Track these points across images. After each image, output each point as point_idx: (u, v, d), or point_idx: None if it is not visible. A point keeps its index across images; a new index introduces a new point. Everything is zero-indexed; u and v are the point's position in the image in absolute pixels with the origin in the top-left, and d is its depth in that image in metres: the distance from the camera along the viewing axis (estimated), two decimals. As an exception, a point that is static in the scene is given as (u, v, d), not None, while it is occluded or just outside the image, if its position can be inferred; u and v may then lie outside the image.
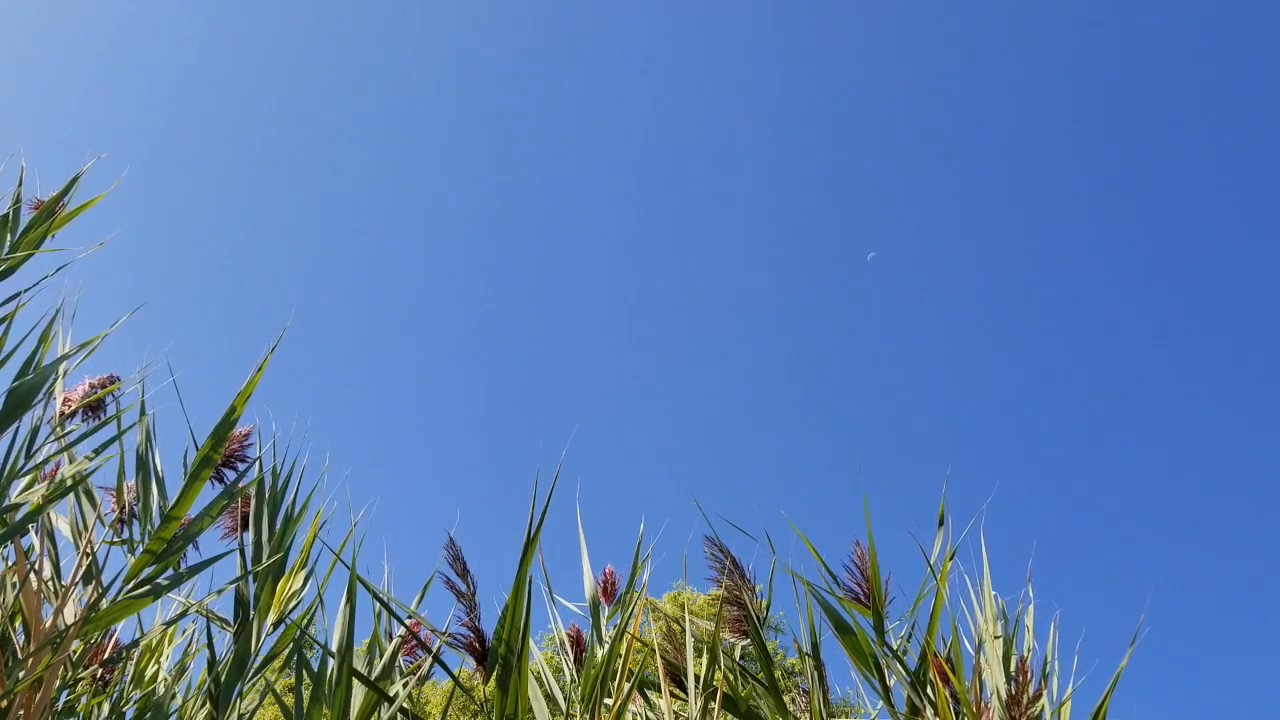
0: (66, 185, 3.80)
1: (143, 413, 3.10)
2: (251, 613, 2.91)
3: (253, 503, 3.16)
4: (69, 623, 2.76)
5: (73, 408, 2.99)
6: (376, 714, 2.74)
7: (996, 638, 3.02)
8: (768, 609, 3.40)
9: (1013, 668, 3.05)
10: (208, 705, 2.78)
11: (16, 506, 2.75)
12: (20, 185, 3.75)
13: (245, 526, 3.22)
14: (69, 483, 2.86)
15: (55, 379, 2.98)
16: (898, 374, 24.67)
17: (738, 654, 3.41)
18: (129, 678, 3.01)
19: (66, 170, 3.77)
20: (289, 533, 3.17)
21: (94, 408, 3.03)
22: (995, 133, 23.27)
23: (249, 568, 3.01)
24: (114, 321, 3.19)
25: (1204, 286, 23.06)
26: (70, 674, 2.79)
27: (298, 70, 24.25)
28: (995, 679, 3.01)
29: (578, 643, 3.33)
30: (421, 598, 3.22)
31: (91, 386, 3.01)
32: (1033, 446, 23.32)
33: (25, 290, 3.34)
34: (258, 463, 3.18)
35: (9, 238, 3.58)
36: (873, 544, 3.24)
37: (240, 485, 3.12)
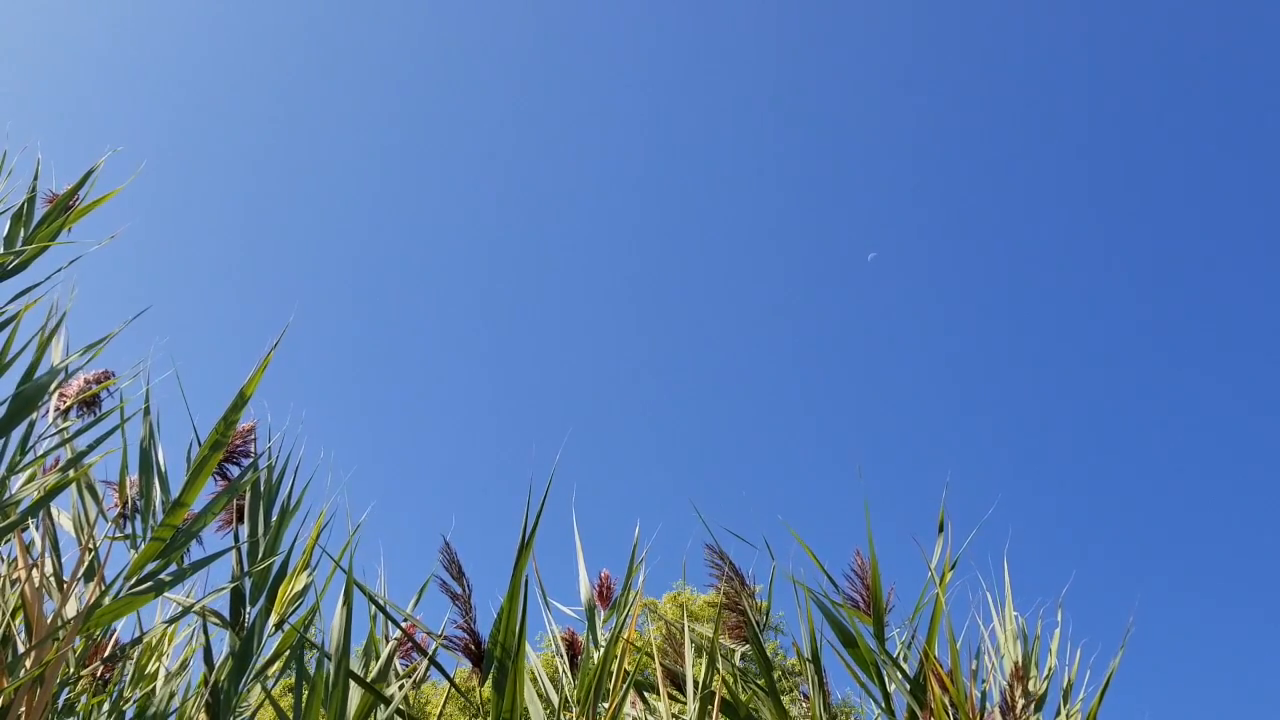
0: (82, 178, 3.81)
1: (147, 410, 3.12)
2: (246, 608, 2.93)
3: (248, 496, 3.17)
4: (70, 619, 2.79)
5: (68, 403, 3.01)
6: (373, 715, 2.76)
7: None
8: (767, 613, 3.41)
9: (1009, 675, 3.07)
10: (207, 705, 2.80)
11: (17, 501, 2.78)
12: (36, 178, 3.78)
13: (241, 520, 3.23)
14: (67, 477, 2.88)
15: (64, 379, 3.00)
16: (900, 375, 24.57)
17: (738, 658, 3.42)
18: (128, 676, 3.03)
19: (73, 164, 3.80)
20: (284, 526, 3.19)
21: (89, 403, 3.05)
22: (997, 132, 23.09)
23: (245, 564, 3.03)
24: (118, 318, 3.21)
25: (1202, 289, 22.86)
26: (72, 671, 2.82)
27: (302, 71, 24.36)
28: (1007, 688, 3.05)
29: (573, 646, 3.34)
30: (418, 600, 3.24)
31: (86, 382, 3.03)
32: (1030, 446, 23.20)
33: (38, 285, 3.36)
34: (260, 457, 3.20)
35: (23, 231, 3.61)
36: (873, 552, 3.24)
37: (244, 480, 3.14)
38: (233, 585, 2.96)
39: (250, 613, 3.00)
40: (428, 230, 25.39)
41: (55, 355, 3.14)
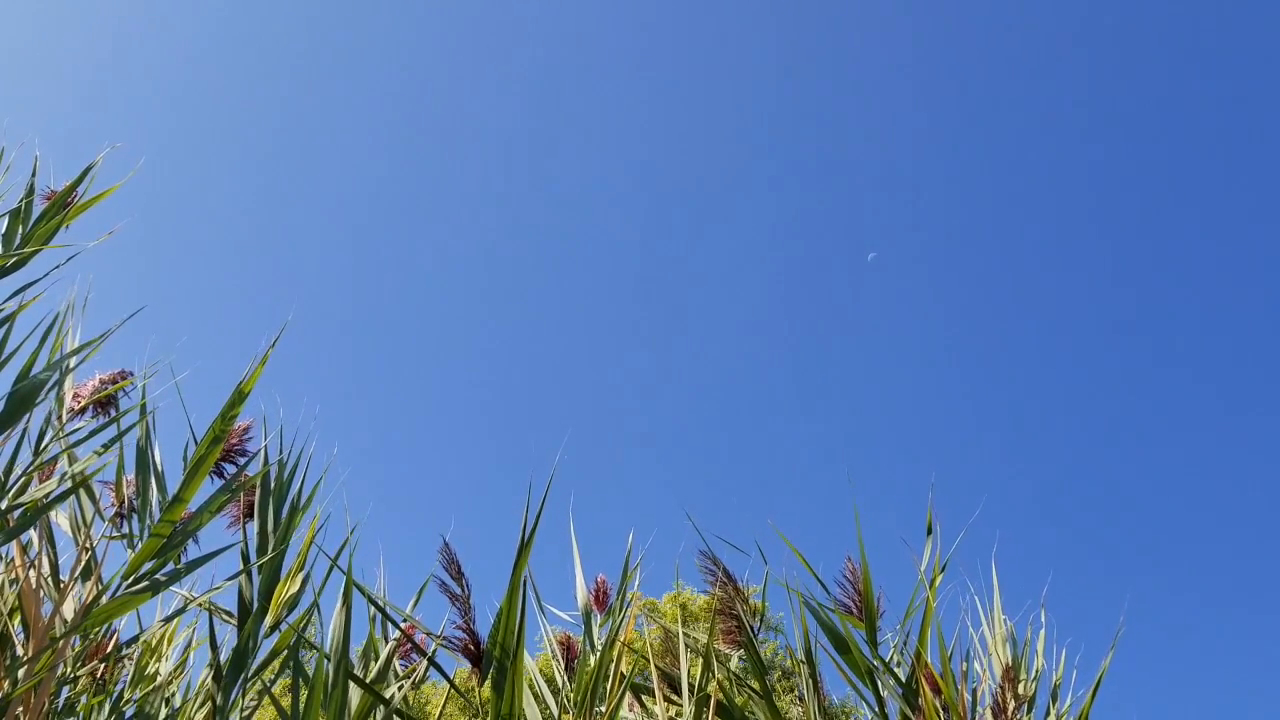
0: (79, 176, 3.80)
1: (143, 411, 3.11)
2: (254, 605, 2.93)
3: (258, 492, 3.18)
4: (68, 619, 2.79)
5: (83, 403, 3.00)
6: (373, 716, 2.77)
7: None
8: (761, 617, 3.43)
9: (999, 678, 3.12)
10: (208, 705, 2.80)
11: (18, 506, 2.77)
12: (34, 176, 3.77)
13: (251, 516, 3.23)
14: (71, 482, 2.88)
15: (60, 378, 3.00)
16: (899, 376, 24.68)
17: (734, 663, 3.45)
18: (128, 676, 3.03)
19: (72, 160, 3.79)
20: (294, 523, 3.19)
21: (104, 404, 3.04)
22: (996, 132, 23.23)
23: (252, 560, 3.03)
24: (118, 315, 3.20)
25: (1194, 290, 23.09)
26: (70, 671, 2.82)
27: (302, 67, 24.28)
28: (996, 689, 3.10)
29: (569, 649, 3.36)
30: (417, 601, 3.25)
31: (102, 382, 3.03)
32: (1025, 447, 23.37)
33: (36, 281, 3.35)
34: (262, 453, 3.20)
35: (20, 229, 3.60)
36: (865, 559, 3.28)
37: (242, 478, 3.14)
38: (241, 573, 2.95)
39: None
40: (428, 229, 25.36)
41: (72, 344, 3.13)
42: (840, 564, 3.40)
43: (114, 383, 3.05)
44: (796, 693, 3.31)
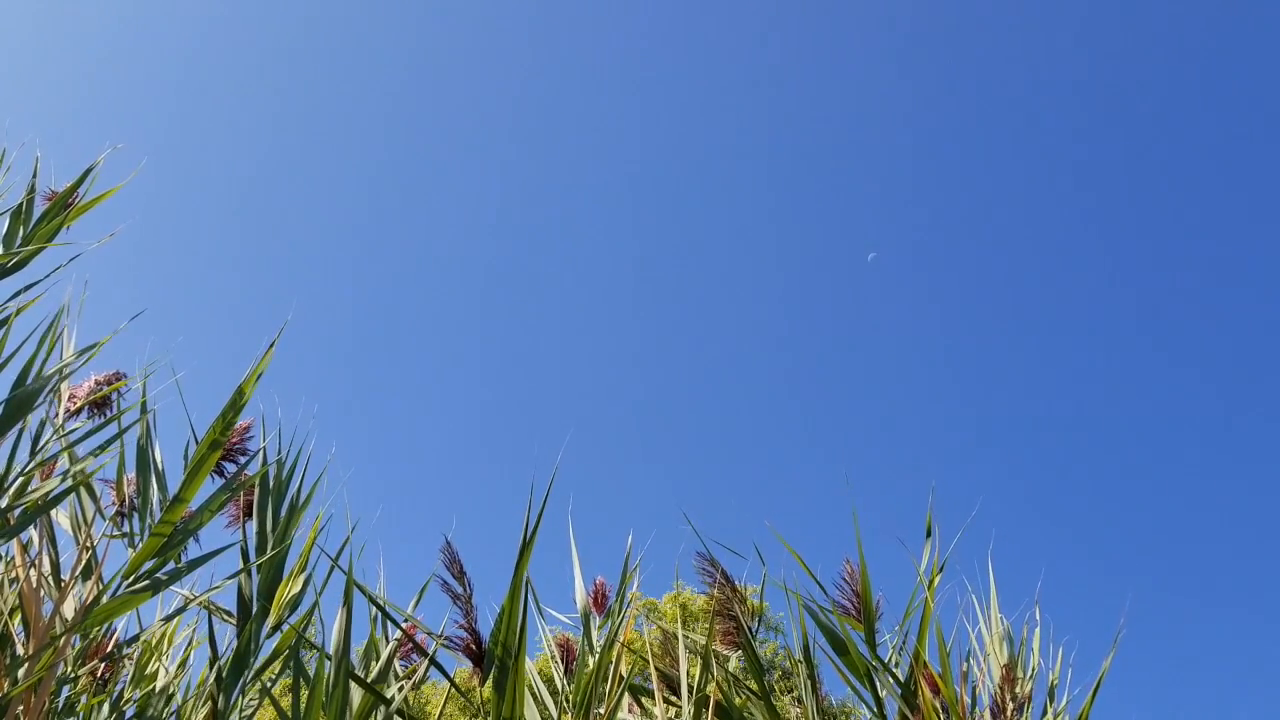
0: (80, 177, 3.80)
1: (143, 410, 3.12)
2: (254, 606, 2.93)
3: (256, 491, 3.18)
4: (68, 618, 2.79)
5: (78, 404, 3.01)
6: (374, 716, 2.78)
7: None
8: (760, 618, 3.44)
9: (998, 678, 3.12)
10: (208, 705, 2.80)
11: (18, 505, 2.78)
12: (34, 176, 3.77)
13: (250, 515, 3.23)
14: (71, 481, 2.88)
15: (59, 380, 3.00)
16: (898, 376, 24.70)
17: (733, 664, 3.46)
18: (128, 676, 3.03)
19: (73, 161, 3.79)
20: (293, 522, 3.19)
21: (99, 404, 3.05)
22: (997, 132, 23.23)
23: (252, 559, 3.03)
24: (117, 315, 3.20)
25: (1193, 290, 23.11)
26: (70, 670, 2.82)
27: (304, 70, 24.30)
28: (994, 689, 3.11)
29: (568, 651, 3.36)
30: (418, 601, 3.25)
31: (97, 383, 3.03)
32: (1023, 447, 23.39)
33: (38, 282, 3.35)
34: (261, 453, 3.21)
35: (21, 229, 3.60)
36: (863, 561, 3.28)
37: (243, 477, 3.15)
38: (240, 572, 2.95)
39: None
40: (427, 229, 25.37)
41: (67, 350, 3.14)
42: (839, 565, 3.41)
43: (109, 384, 3.06)
44: (795, 694, 3.32)
